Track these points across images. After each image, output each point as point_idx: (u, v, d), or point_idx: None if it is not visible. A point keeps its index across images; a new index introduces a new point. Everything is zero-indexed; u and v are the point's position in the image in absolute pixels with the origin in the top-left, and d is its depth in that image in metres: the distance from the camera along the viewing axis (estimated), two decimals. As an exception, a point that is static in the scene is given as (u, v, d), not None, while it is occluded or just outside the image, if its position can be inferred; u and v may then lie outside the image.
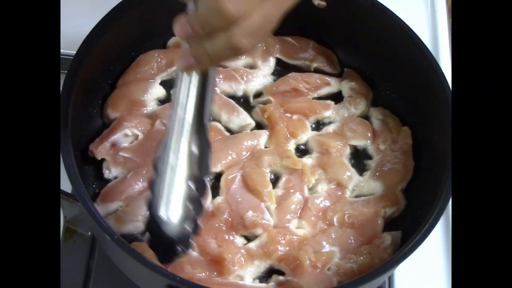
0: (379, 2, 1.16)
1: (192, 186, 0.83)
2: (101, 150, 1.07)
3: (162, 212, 0.81)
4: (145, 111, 1.14)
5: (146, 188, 1.04)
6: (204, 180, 0.84)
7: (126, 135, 1.10)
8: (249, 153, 1.11)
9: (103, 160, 1.08)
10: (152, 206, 0.82)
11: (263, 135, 1.14)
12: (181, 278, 0.87)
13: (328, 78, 1.22)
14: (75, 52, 1.02)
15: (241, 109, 1.16)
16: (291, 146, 1.14)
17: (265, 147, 1.14)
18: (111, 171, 1.08)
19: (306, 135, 1.15)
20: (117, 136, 1.09)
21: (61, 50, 1.01)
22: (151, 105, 1.15)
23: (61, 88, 0.97)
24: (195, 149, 0.84)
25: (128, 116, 1.11)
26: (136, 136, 1.11)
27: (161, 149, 0.83)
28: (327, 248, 1.02)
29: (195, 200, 0.83)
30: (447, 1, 1.54)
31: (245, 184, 1.07)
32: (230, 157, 1.09)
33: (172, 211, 0.82)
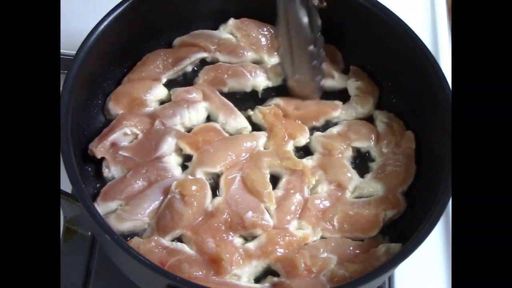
0: (380, 3, 1.16)
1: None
2: (100, 149, 1.07)
3: None
4: (146, 110, 1.15)
5: (146, 187, 1.05)
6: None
7: (126, 134, 1.10)
8: (248, 154, 1.11)
9: (103, 159, 1.08)
10: None
11: (262, 136, 1.14)
12: (181, 278, 0.87)
13: (332, 70, 1.22)
14: (75, 52, 1.02)
15: (238, 113, 1.16)
16: (290, 147, 1.14)
17: (264, 148, 1.14)
18: (110, 170, 1.08)
19: (305, 138, 1.16)
20: (116, 135, 1.09)
21: (61, 50, 1.02)
22: (152, 105, 1.16)
23: (61, 88, 0.97)
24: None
25: (128, 115, 1.12)
26: (136, 135, 1.11)
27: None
28: (324, 254, 1.02)
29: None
30: (447, 1, 1.54)
31: (245, 185, 1.07)
32: (229, 158, 1.09)
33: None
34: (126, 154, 1.08)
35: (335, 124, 1.19)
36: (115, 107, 1.13)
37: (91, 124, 1.13)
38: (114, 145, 1.09)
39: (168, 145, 1.09)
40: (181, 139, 1.10)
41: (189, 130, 1.14)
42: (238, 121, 1.15)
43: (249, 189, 1.06)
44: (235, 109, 1.17)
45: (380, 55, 1.21)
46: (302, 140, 1.15)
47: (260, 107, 1.18)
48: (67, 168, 0.91)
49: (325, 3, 1.20)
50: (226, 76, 1.19)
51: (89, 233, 1.13)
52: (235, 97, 1.21)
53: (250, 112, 1.18)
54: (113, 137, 1.09)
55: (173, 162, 1.10)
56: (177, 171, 1.09)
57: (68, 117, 0.97)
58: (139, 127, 1.11)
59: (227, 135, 1.14)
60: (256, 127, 1.17)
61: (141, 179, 1.06)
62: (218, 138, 1.11)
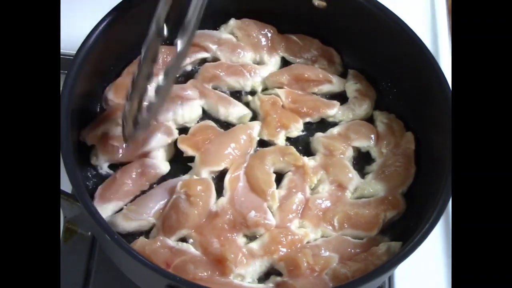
0: (380, 3, 1.16)
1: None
2: (92, 137, 1.08)
3: None
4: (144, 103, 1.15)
5: (140, 184, 1.06)
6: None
7: (118, 124, 1.10)
8: (248, 146, 1.11)
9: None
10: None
11: (256, 125, 1.15)
12: (181, 278, 0.87)
13: (330, 76, 1.22)
14: (75, 52, 1.02)
15: (236, 101, 1.18)
16: (282, 137, 1.15)
17: (259, 137, 1.14)
18: (98, 158, 1.08)
19: (298, 129, 1.16)
20: (109, 125, 1.09)
21: (61, 50, 1.02)
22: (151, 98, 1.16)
23: (61, 89, 0.97)
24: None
25: (122, 107, 1.11)
26: None
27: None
28: (326, 253, 1.02)
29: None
30: (447, 1, 1.54)
31: (249, 183, 1.07)
32: (232, 153, 1.09)
33: None
34: (115, 144, 1.08)
35: (334, 124, 1.19)
36: (114, 98, 1.14)
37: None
38: (106, 134, 1.09)
39: (157, 140, 1.10)
40: (182, 142, 1.10)
41: (181, 127, 1.15)
42: (238, 109, 1.16)
43: (253, 187, 1.07)
44: (232, 99, 1.18)
45: (380, 55, 1.21)
46: (295, 131, 1.16)
47: (260, 94, 1.18)
48: (67, 168, 0.91)
49: (324, 3, 1.20)
50: (225, 74, 1.20)
51: (89, 233, 1.13)
52: (235, 97, 1.21)
53: (249, 98, 1.20)
54: (106, 126, 1.09)
55: (160, 157, 1.10)
56: (164, 167, 1.09)
57: (68, 117, 0.97)
58: None
59: (222, 131, 1.14)
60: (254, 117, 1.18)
61: (132, 176, 1.07)
62: (216, 135, 1.12)
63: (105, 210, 1.04)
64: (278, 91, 1.19)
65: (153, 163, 1.08)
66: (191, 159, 1.10)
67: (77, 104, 1.02)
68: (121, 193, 1.05)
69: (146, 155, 1.09)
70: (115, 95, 1.14)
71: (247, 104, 1.20)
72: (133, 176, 1.07)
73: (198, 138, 1.11)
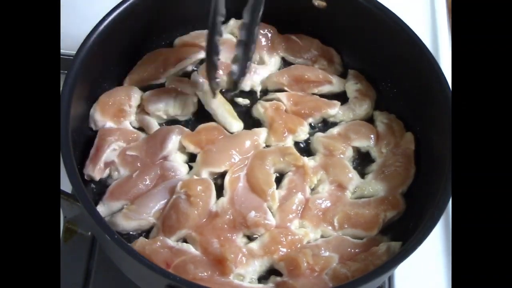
0: (380, 3, 1.16)
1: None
2: (98, 172, 1.07)
3: None
4: (132, 118, 1.15)
5: (152, 187, 1.06)
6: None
7: (114, 150, 1.09)
8: (252, 152, 1.11)
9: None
10: None
11: (263, 132, 1.14)
12: (181, 278, 0.87)
13: (330, 76, 1.22)
14: (75, 52, 1.02)
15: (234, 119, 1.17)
16: (290, 142, 1.14)
17: (266, 144, 1.14)
18: (120, 172, 1.08)
19: (304, 132, 1.16)
20: (106, 154, 1.08)
21: (61, 50, 1.02)
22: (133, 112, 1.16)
23: (61, 88, 0.97)
24: None
25: (109, 130, 1.10)
26: (121, 147, 1.10)
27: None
28: (326, 253, 1.02)
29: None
30: (447, 1, 1.54)
31: (249, 183, 1.07)
32: (233, 157, 1.09)
33: None
34: (133, 153, 1.08)
35: (335, 124, 1.19)
36: (102, 118, 1.12)
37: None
38: (107, 164, 1.08)
39: (173, 143, 1.10)
40: (185, 137, 1.10)
41: (171, 120, 1.16)
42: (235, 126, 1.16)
43: (253, 187, 1.07)
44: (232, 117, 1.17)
45: (380, 55, 1.21)
46: (302, 134, 1.16)
47: (262, 101, 1.18)
48: (67, 168, 0.91)
49: (324, 3, 1.20)
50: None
51: (89, 233, 1.13)
52: (232, 96, 1.21)
53: (246, 102, 1.20)
54: (104, 156, 1.08)
55: (179, 160, 1.10)
56: (184, 169, 1.09)
57: (68, 117, 0.97)
58: (123, 139, 1.10)
59: (229, 134, 1.14)
60: (256, 122, 1.18)
61: (147, 179, 1.06)
62: (221, 137, 1.12)
63: (111, 207, 1.04)
64: (279, 94, 1.19)
65: (173, 165, 1.08)
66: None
67: (77, 104, 1.02)
68: (130, 194, 1.05)
69: (164, 158, 1.09)
70: (102, 115, 1.12)
71: (245, 107, 1.20)
72: (151, 178, 1.06)
73: (202, 136, 1.11)
